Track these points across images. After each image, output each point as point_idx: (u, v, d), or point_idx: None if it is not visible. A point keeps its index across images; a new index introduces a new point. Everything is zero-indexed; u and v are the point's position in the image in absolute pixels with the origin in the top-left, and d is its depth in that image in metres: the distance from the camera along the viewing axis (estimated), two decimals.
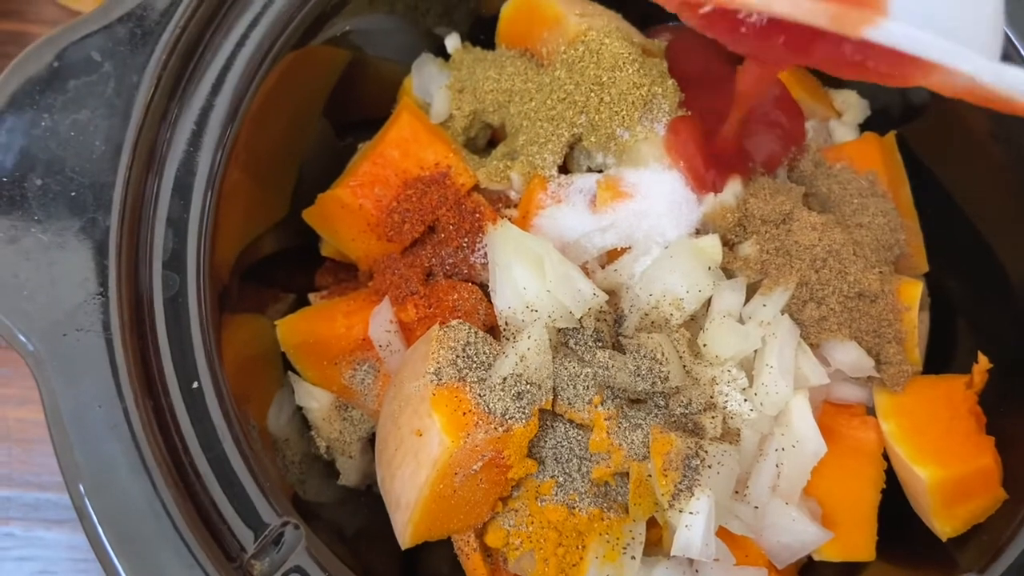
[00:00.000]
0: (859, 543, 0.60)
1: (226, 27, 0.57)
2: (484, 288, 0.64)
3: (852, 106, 0.73)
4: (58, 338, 0.49)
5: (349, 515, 0.67)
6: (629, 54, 0.63)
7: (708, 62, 0.70)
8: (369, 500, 0.69)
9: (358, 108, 0.73)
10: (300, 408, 0.67)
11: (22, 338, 0.49)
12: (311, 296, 0.71)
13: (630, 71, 0.63)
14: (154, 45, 0.53)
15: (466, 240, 0.64)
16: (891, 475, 0.61)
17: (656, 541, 0.61)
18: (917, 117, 0.73)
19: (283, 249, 0.70)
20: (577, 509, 0.57)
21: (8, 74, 0.52)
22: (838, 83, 0.75)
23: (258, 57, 0.57)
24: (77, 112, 0.51)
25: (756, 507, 0.58)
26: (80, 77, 0.52)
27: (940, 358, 0.67)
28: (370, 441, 0.67)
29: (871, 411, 0.63)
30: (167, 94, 0.54)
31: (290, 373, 0.66)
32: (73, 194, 0.51)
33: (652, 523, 0.59)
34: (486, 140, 0.74)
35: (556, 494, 0.58)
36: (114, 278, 0.50)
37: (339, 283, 0.73)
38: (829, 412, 0.62)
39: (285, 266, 0.71)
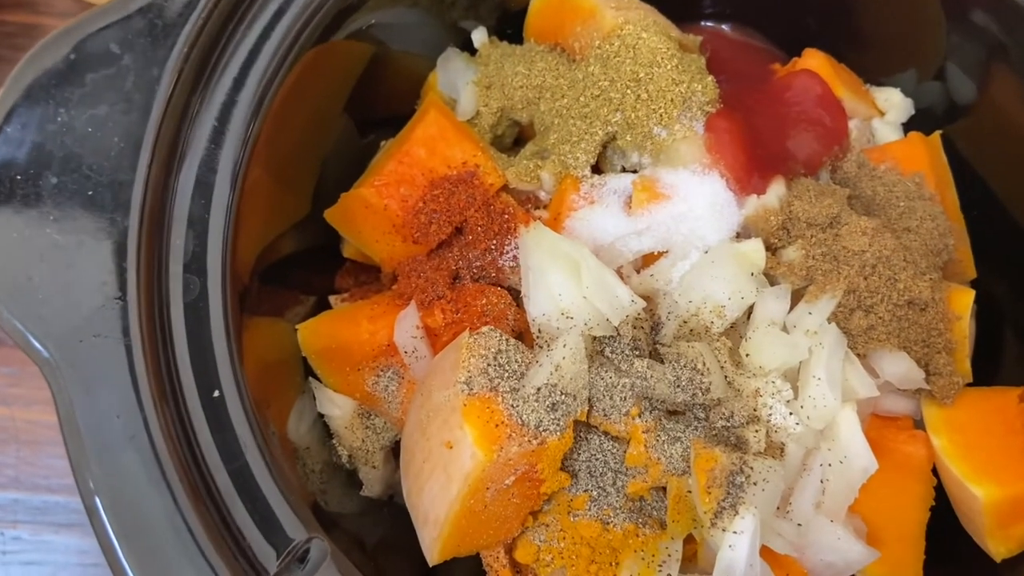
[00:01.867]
0: (906, 563, 0.57)
1: (249, 20, 0.54)
2: (513, 292, 0.62)
3: (895, 105, 0.70)
4: (75, 345, 0.47)
5: (371, 525, 0.65)
6: (667, 49, 0.61)
7: (745, 58, 0.68)
8: (392, 510, 0.67)
9: (381, 104, 0.71)
10: (322, 415, 0.64)
11: (37, 345, 0.47)
12: (332, 299, 0.69)
13: (668, 67, 0.60)
14: (175, 38, 0.51)
15: (494, 242, 0.62)
16: (939, 492, 0.59)
17: (691, 556, 0.58)
18: (963, 116, 0.70)
19: (303, 249, 0.68)
20: (611, 524, 0.55)
21: (23, 66, 0.50)
22: (880, 80, 0.72)
23: (281, 51, 0.55)
24: (95, 107, 0.49)
25: (800, 524, 0.55)
26: (98, 70, 0.50)
27: (987, 367, 0.65)
28: (393, 450, 0.65)
29: (918, 424, 0.60)
30: (188, 89, 0.52)
31: (311, 379, 0.64)
32: (90, 193, 0.49)
33: (688, 538, 0.57)
34: (513, 138, 0.72)
35: (590, 509, 0.55)
36: (133, 281, 0.48)
37: (360, 285, 0.70)
38: (876, 425, 0.59)
39: (305, 267, 0.69)
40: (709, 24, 0.72)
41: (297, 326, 0.63)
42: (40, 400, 0.84)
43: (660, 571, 0.54)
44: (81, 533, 0.81)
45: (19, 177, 0.48)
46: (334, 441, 0.65)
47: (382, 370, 0.62)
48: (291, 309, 0.67)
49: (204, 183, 0.52)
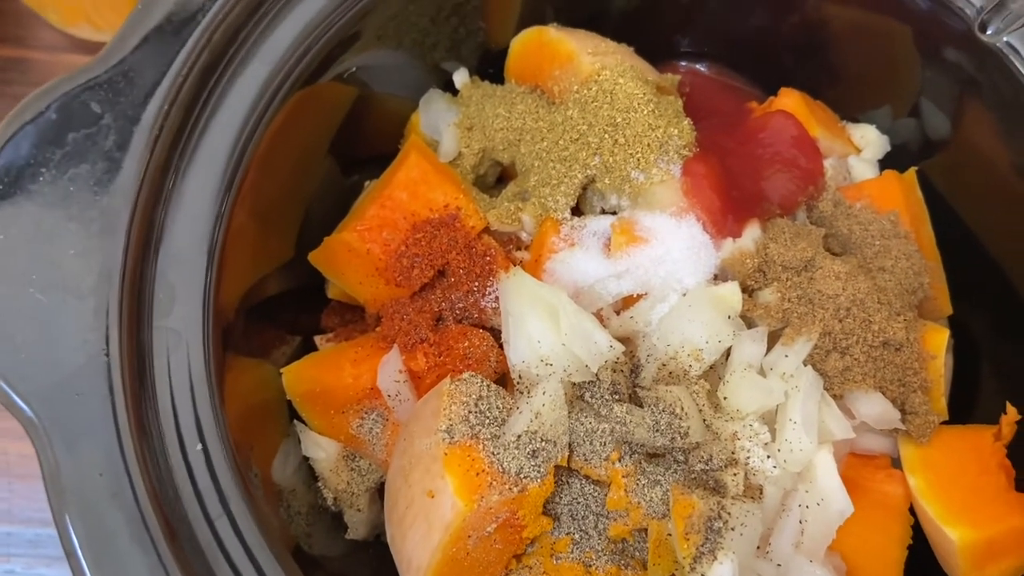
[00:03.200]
0: None
1: (231, 70, 0.55)
2: (495, 333, 0.62)
3: (871, 142, 0.71)
4: (58, 403, 0.47)
5: (356, 567, 0.66)
6: (644, 94, 0.61)
7: (722, 98, 0.68)
8: (377, 550, 0.67)
9: (365, 144, 0.72)
10: (307, 458, 0.65)
11: (20, 403, 0.47)
12: (317, 339, 0.70)
13: (645, 112, 0.61)
14: (154, 92, 0.51)
15: (476, 284, 0.63)
16: (917, 529, 0.59)
17: None
18: (937, 152, 0.71)
19: (288, 290, 0.68)
20: (594, 567, 0.55)
21: (5, 125, 0.50)
22: (855, 117, 0.73)
23: (266, 98, 0.56)
24: (76, 166, 0.50)
25: (779, 564, 0.56)
26: (79, 129, 0.50)
27: (963, 403, 0.65)
28: (378, 491, 0.65)
29: (896, 462, 0.61)
30: (169, 145, 0.52)
31: (296, 422, 0.65)
32: (72, 252, 0.49)
33: None
34: (495, 177, 0.73)
35: (572, 551, 0.56)
36: (116, 336, 0.49)
37: (345, 324, 0.71)
38: (853, 464, 0.60)
39: (290, 307, 0.69)
40: (684, 64, 0.72)
41: (282, 370, 0.63)
42: None
43: None
44: None
45: (1, 237, 0.49)
46: (319, 483, 0.65)
47: (366, 413, 0.63)
48: (277, 349, 0.68)
49: (188, 233, 0.53)
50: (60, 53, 0.96)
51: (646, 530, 0.55)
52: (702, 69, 0.74)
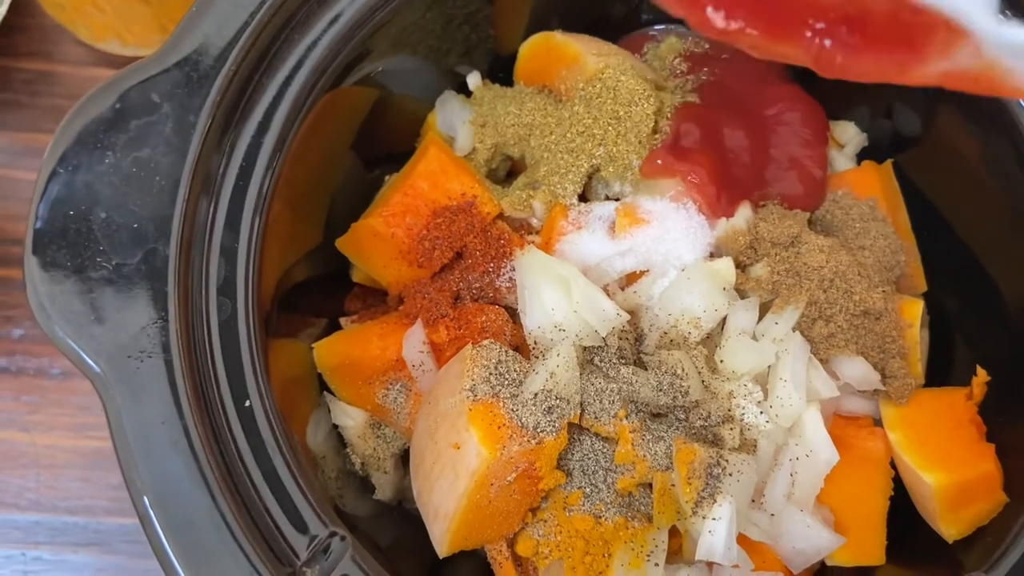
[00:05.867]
0: (870, 548, 0.63)
1: (273, 71, 0.61)
2: (509, 310, 0.68)
3: (851, 138, 0.77)
4: (123, 361, 0.52)
5: (383, 528, 0.70)
6: (644, 90, 0.68)
7: (725, 90, 0.74)
8: (400, 514, 0.72)
9: (384, 142, 0.77)
10: (336, 426, 0.70)
11: (90, 362, 0.52)
12: (342, 321, 0.75)
13: (645, 106, 0.67)
14: (209, 88, 0.57)
15: (492, 265, 0.68)
16: (898, 483, 0.65)
17: (677, 550, 0.64)
18: (911, 146, 0.77)
19: (315, 276, 0.74)
20: (603, 518, 0.60)
21: (73, 115, 0.56)
22: (837, 115, 0.79)
23: (301, 98, 0.61)
24: (138, 150, 0.55)
25: (772, 514, 0.61)
26: (141, 117, 0.56)
27: (940, 372, 0.71)
28: (402, 457, 0.70)
29: (878, 422, 0.66)
30: (219, 132, 0.58)
31: (326, 393, 0.70)
32: (135, 226, 0.55)
33: (673, 532, 0.62)
34: (506, 171, 0.78)
35: (583, 504, 0.61)
36: (173, 303, 0.54)
37: (368, 308, 0.76)
38: (839, 424, 0.65)
39: (317, 292, 0.75)
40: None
41: (313, 345, 0.69)
42: (59, 426, 0.88)
43: (648, 560, 0.60)
44: (98, 552, 0.85)
45: (72, 213, 0.54)
46: (348, 450, 0.70)
47: (391, 384, 0.68)
48: (304, 330, 0.73)
49: (234, 216, 0.58)
50: (87, 67, 1.01)
51: (650, 485, 0.61)
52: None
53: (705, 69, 0.76)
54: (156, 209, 0.55)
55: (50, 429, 0.89)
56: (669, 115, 0.68)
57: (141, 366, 0.53)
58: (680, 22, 0.78)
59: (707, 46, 0.78)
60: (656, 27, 0.81)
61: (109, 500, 0.87)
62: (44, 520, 0.85)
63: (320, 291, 0.75)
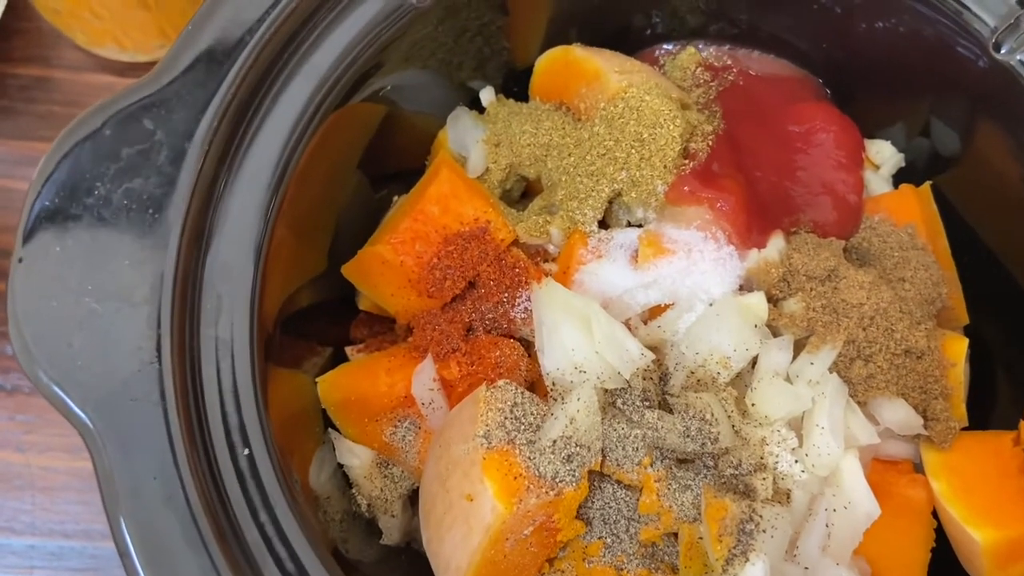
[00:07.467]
0: None
1: (275, 91, 0.57)
2: (524, 343, 0.64)
3: (887, 158, 0.73)
4: (112, 409, 0.49)
5: (389, 571, 0.67)
6: (670, 111, 0.63)
7: (751, 107, 0.70)
8: (409, 556, 0.68)
9: (393, 161, 0.74)
10: (341, 465, 0.66)
11: (76, 409, 0.49)
12: (348, 350, 0.71)
13: (671, 127, 0.63)
14: (204, 111, 0.53)
15: (506, 295, 0.64)
16: (939, 532, 0.61)
17: None
18: (950, 167, 0.73)
19: (319, 302, 0.70)
20: (625, 571, 0.57)
21: (61, 141, 0.52)
22: (871, 133, 0.75)
23: (305, 118, 0.58)
24: (130, 181, 0.52)
25: (807, 568, 0.57)
26: (132, 145, 0.52)
27: (981, 409, 0.67)
28: (411, 498, 0.67)
29: (918, 467, 0.62)
30: (217, 159, 0.54)
31: (330, 430, 0.66)
32: (126, 263, 0.51)
33: None
34: (520, 192, 0.75)
35: (604, 555, 0.57)
36: (168, 346, 0.50)
37: (375, 335, 0.73)
38: (878, 469, 0.61)
39: (321, 319, 0.71)
40: (729, 47, 0.73)
41: (317, 379, 0.65)
42: (55, 447, 0.85)
43: None
44: None
45: (57, 249, 0.51)
46: (353, 490, 0.66)
47: (399, 421, 0.64)
48: (308, 360, 0.69)
49: (234, 245, 0.54)
50: (83, 72, 0.98)
51: (676, 534, 0.57)
52: (754, 56, 0.74)
53: (730, 75, 0.72)
54: (149, 245, 0.51)
55: (46, 450, 0.87)
56: (697, 137, 0.64)
57: (132, 415, 0.49)
58: (697, 36, 0.76)
59: (727, 60, 0.74)
60: (672, 43, 0.77)
61: (107, 524, 0.84)
62: (40, 544, 0.83)
63: (325, 317, 0.72)
